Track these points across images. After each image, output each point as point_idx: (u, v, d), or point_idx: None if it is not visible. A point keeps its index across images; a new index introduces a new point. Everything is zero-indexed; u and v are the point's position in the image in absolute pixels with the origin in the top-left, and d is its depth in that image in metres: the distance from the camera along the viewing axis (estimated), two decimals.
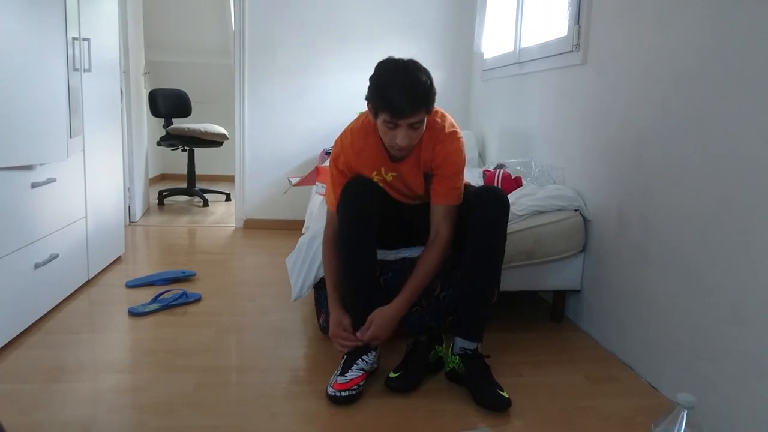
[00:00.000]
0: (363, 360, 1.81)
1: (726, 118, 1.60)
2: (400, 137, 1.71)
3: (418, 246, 2.04)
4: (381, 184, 1.94)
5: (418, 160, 1.89)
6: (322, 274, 2.09)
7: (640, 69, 2.01)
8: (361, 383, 1.76)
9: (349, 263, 1.87)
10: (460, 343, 1.88)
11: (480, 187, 1.96)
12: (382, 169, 1.91)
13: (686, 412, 1.18)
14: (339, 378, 1.75)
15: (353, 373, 1.76)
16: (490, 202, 1.85)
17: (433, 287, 2.15)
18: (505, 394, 1.73)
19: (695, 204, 1.72)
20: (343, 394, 1.72)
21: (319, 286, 2.13)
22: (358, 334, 1.84)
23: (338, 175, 1.93)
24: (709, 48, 1.67)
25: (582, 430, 1.64)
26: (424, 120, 1.73)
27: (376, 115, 1.74)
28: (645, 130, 1.97)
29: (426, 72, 1.72)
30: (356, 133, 1.90)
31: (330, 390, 1.73)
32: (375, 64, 1.77)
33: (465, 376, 1.81)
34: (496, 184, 2.55)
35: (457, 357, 1.86)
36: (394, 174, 1.92)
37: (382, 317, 1.84)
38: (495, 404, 1.71)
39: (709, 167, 1.66)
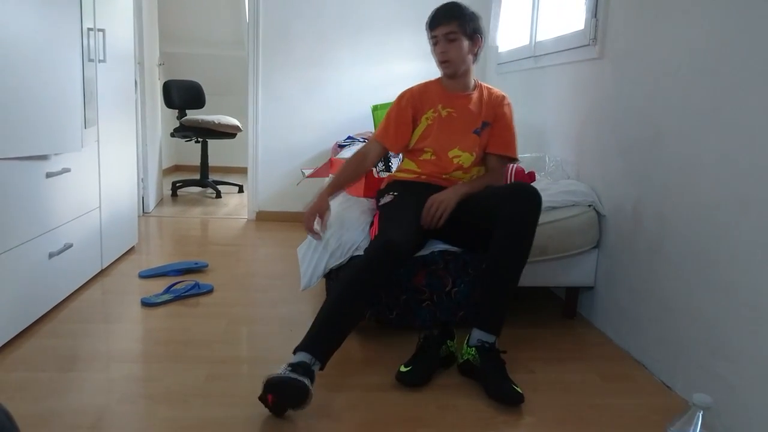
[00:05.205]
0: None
1: (746, 113, 1.57)
2: (440, 45, 2.07)
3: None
4: (431, 122, 2.15)
5: (481, 99, 2.17)
6: (332, 264, 2.09)
7: (659, 63, 1.97)
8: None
9: (346, 300, 1.78)
10: (478, 335, 1.86)
11: (512, 183, 1.98)
12: (440, 106, 2.15)
13: (702, 412, 1.17)
14: None
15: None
16: (522, 198, 1.86)
17: (444, 283, 2.14)
18: (518, 389, 1.72)
19: (713, 200, 1.69)
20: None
21: (329, 276, 2.13)
22: (317, 228, 2.04)
23: (397, 109, 2.18)
24: (728, 42, 1.64)
25: (595, 428, 1.63)
26: (459, 34, 2.04)
27: (430, 43, 2.11)
28: (662, 125, 1.94)
29: (468, 7, 2.10)
30: (421, 83, 2.24)
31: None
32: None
33: (479, 368, 1.80)
34: (509, 179, 2.53)
35: (474, 348, 1.84)
36: (450, 110, 2.15)
37: (443, 195, 2.00)
38: (508, 397, 1.70)
39: (728, 163, 1.63)
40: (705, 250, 1.72)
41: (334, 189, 2.11)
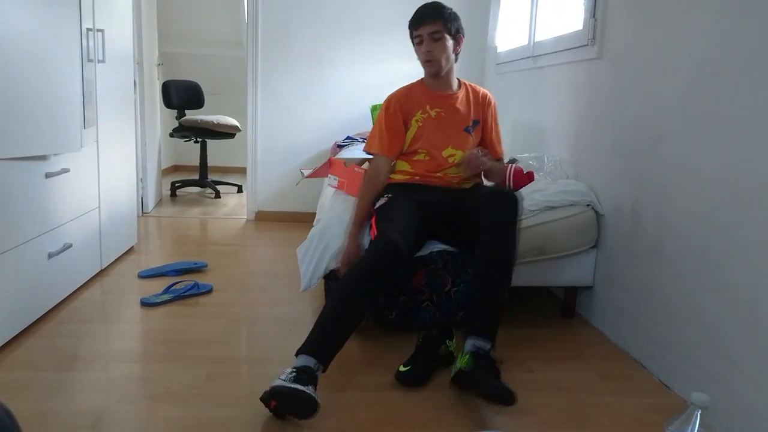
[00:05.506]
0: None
1: (745, 113, 1.57)
2: (425, 44, 2.08)
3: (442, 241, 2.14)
4: (421, 123, 2.15)
5: (468, 97, 2.20)
6: (332, 266, 2.09)
7: (657, 63, 1.98)
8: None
9: (348, 302, 1.78)
10: (473, 341, 1.77)
11: (490, 191, 1.98)
12: (427, 106, 2.16)
13: (700, 411, 1.17)
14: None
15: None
16: (498, 206, 1.87)
17: (443, 283, 2.14)
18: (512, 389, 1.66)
19: (712, 200, 1.69)
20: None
21: (329, 277, 2.13)
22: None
23: (386, 116, 2.17)
24: (727, 42, 1.64)
25: (592, 427, 1.63)
26: (443, 33, 2.06)
27: (413, 42, 2.13)
28: (661, 125, 1.94)
29: (449, 7, 2.12)
30: (404, 87, 2.25)
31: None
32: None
33: (471, 371, 1.68)
34: (507, 179, 2.53)
35: (468, 354, 1.74)
36: (438, 110, 2.16)
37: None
38: (500, 394, 1.59)
39: (726, 163, 1.64)
40: (704, 250, 1.73)
41: (359, 222, 2.10)
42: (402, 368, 1.83)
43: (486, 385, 1.64)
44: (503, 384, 1.64)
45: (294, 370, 1.60)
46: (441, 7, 2.10)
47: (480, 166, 2.14)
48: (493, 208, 1.87)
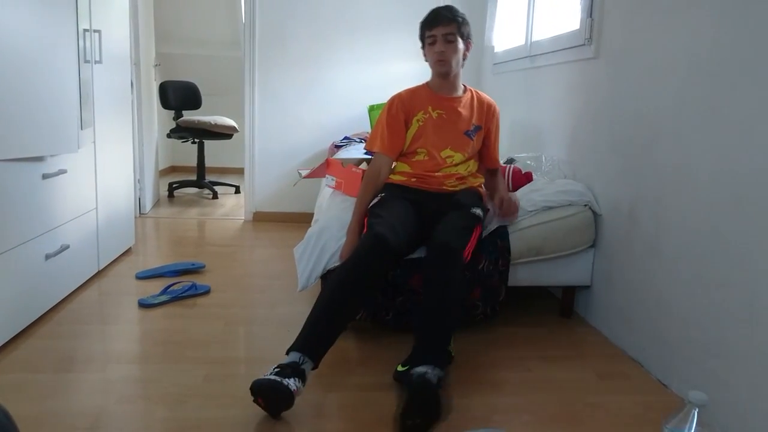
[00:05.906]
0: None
1: (741, 113, 1.58)
2: (438, 45, 2.09)
3: None
4: (422, 123, 2.17)
5: (472, 103, 2.23)
6: (330, 265, 2.09)
7: (654, 63, 1.98)
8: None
9: (337, 297, 1.79)
10: (416, 369, 1.72)
11: (440, 237, 1.91)
12: (429, 108, 2.18)
13: (697, 410, 1.18)
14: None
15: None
16: (441, 263, 1.85)
17: None
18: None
19: (709, 200, 1.70)
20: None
21: (327, 276, 2.13)
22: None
23: (388, 116, 2.19)
24: (724, 42, 1.64)
25: (590, 426, 1.63)
26: (456, 36, 2.09)
27: (423, 44, 2.16)
28: (658, 124, 1.95)
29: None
30: (408, 88, 2.27)
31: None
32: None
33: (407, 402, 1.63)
34: (506, 179, 2.54)
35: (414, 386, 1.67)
36: (440, 112, 2.18)
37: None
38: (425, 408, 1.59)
39: (723, 163, 1.64)
40: (700, 249, 1.73)
41: (359, 220, 2.11)
42: (400, 368, 1.83)
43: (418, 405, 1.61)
44: (432, 400, 1.63)
45: (277, 366, 1.62)
46: (455, 11, 2.14)
47: (515, 211, 2.23)
48: (434, 265, 1.85)
